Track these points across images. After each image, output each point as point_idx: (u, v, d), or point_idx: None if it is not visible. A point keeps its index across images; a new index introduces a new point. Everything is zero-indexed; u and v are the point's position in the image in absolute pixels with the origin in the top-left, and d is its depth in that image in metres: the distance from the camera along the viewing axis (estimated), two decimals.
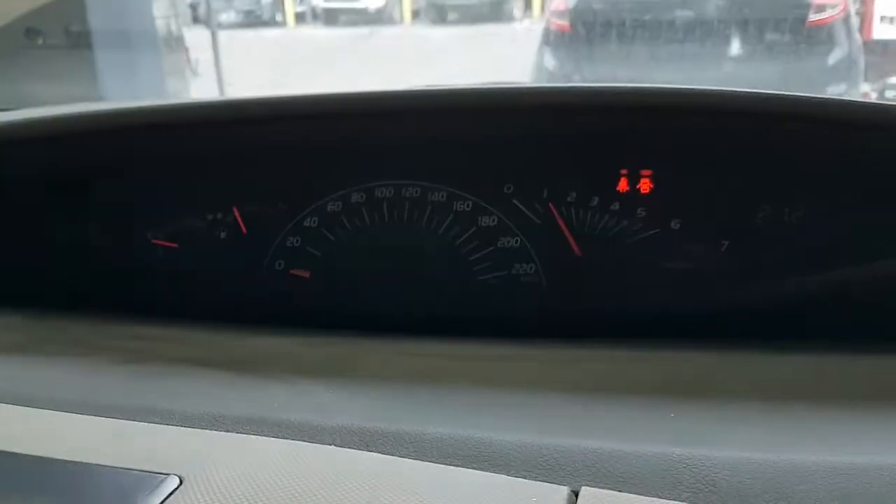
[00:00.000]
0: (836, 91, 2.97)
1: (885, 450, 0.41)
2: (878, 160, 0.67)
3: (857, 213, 0.69)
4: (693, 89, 0.68)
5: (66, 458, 0.40)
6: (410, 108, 0.74)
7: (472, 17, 6.85)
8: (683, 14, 2.94)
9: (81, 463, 0.39)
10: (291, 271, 0.79)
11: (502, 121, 0.73)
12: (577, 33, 3.13)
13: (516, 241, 0.76)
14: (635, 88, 0.68)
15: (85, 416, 0.44)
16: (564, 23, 3.22)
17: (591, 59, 3.10)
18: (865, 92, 3.15)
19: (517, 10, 6.93)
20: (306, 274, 0.79)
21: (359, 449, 0.41)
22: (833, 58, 3.06)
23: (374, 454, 0.41)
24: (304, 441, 0.41)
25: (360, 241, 0.78)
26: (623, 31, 2.97)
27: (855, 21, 3.30)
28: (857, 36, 3.23)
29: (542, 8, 6.29)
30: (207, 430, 0.42)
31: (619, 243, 0.73)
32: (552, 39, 3.25)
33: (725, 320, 0.68)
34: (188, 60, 3.93)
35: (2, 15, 0.67)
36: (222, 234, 0.81)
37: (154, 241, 0.81)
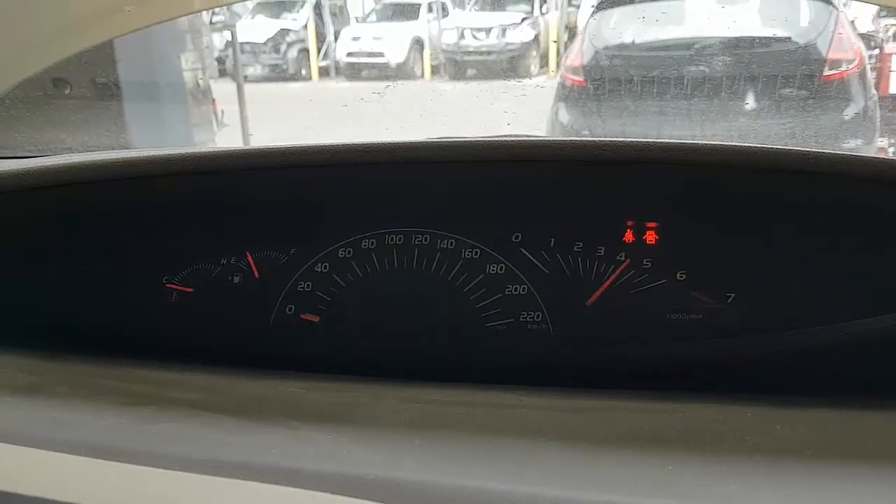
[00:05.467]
0: (851, 146, 2.98)
1: None
2: (884, 214, 0.67)
3: (864, 266, 0.68)
4: (698, 144, 0.69)
5: (65, 500, 0.40)
6: (421, 158, 0.75)
7: (490, 72, 7.02)
8: (692, 70, 2.99)
9: None
10: (301, 315, 0.80)
11: (511, 172, 0.75)
12: (591, 88, 3.19)
13: (524, 288, 0.76)
14: (641, 143, 0.69)
15: (85, 458, 0.44)
16: (579, 78, 3.29)
17: (604, 114, 3.14)
18: (882, 147, 3.14)
19: (534, 67, 7.09)
20: (315, 318, 0.80)
21: (354, 497, 0.41)
22: (849, 113, 3.07)
23: (371, 503, 0.40)
24: (299, 488, 0.41)
25: (369, 286, 0.79)
26: (632, 88, 3.02)
27: (871, 76, 3.32)
28: (873, 91, 3.25)
29: (558, 64, 6.42)
30: (203, 475, 0.42)
31: (626, 294, 0.74)
32: (566, 94, 3.31)
33: (730, 372, 0.67)
34: (215, 112, 4.04)
35: (31, 64, 0.71)
36: (235, 279, 0.82)
37: (168, 286, 0.83)
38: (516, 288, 0.76)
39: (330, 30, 8.61)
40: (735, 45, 3.22)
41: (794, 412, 0.56)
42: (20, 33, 0.76)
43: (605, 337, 0.73)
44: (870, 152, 3.04)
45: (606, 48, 3.35)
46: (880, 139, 3.13)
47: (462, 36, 7.27)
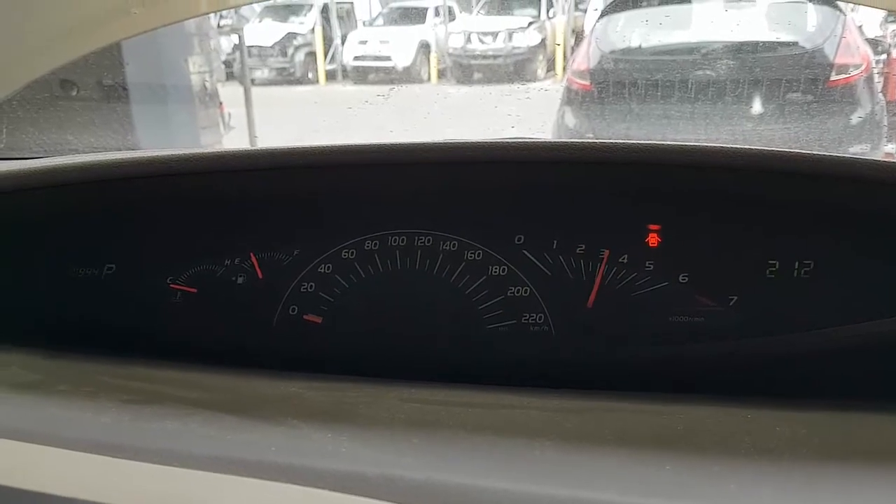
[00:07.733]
0: (858, 151, 2.96)
1: None
2: (889, 217, 0.67)
3: (865, 268, 0.68)
4: (701, 146, 0.69)
5: (64, 495, 0.40)
6: (424, 159, 0.76)
7: (496, 76, 7.02)
8: (698, 74, 2.98)
9: (78, 500, 0.40)
10: (304, 316, 0.80)
11: (513, 174, 0.75)
12: (597, 92, 3.20)
13: (526, 290, 0.76)
14: (643, 144, 0.69)
15: (86, 454, 0.44)
16: (585, 82, 3.29)
17: (609, 118, 3.15)
18: (888, 152, 3.13)
19: (540, 70, 7.10)
20: (318, 319, 0.80)
21: (354, 494, 0.41)
22: (855, 118, 3.06)
23: (369, 500, 0.40)
24: (299, 485, 0.41)
25: (372, 288, 0.79)
26: (637, 91, 3.02)
27: (878, 81, 3.31)
28: (880, 96, 3.23)
29: (564, 68, 6.42)
30: (203, 472, 0.42)
31: (627, 296, 0.74)
32: (572, 98, 3.31)
33: (731, 374, 0.67)
34: (222, 115, 4.06)
35: (38, 66, 0.71)
36: (239, 279, 0.83)
37: (172, 286, 0.83)
38: (518, 290, 0.76)
39: (337, 33, 8.65)
40: (741, 50, 3.21)
41: (794, 414, 0.56)
42: (27, 35, 0.76)
43: (606, 339, 0.73)
44: (877, 157, 3.02)
45: (613, 52, 3.35)
46: (887, 144, 3.12)
47: (469, 40, 7.28)
